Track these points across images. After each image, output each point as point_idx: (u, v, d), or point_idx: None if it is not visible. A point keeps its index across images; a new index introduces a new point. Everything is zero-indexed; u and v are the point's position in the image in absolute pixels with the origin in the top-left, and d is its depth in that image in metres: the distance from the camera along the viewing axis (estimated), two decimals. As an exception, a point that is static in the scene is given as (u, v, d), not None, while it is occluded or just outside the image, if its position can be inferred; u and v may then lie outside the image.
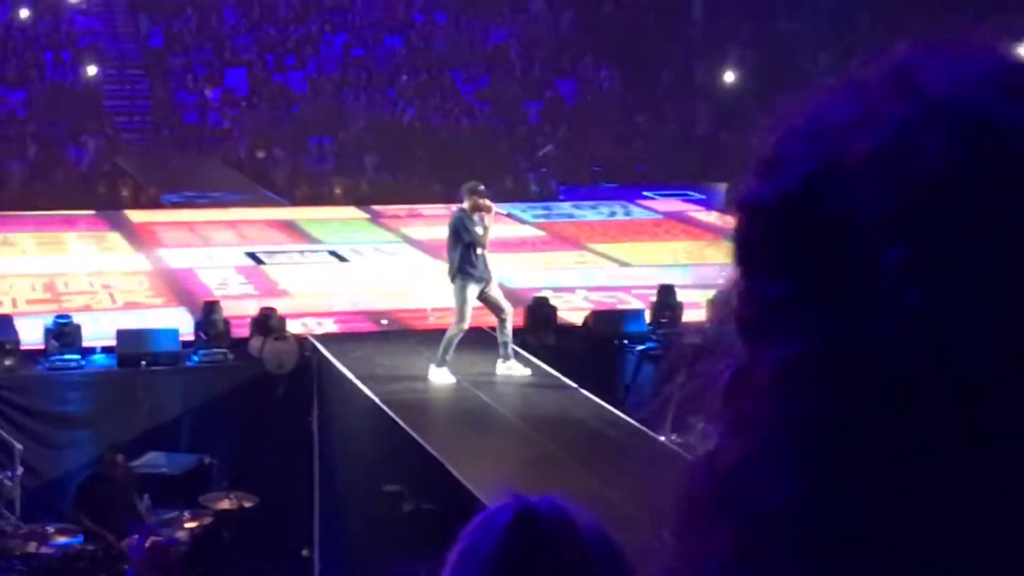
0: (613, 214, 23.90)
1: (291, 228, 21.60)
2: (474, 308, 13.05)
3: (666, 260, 19.78)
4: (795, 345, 0.85)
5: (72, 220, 21.75)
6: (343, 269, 19.06)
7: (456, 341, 13.16)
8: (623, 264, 19.60)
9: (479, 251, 12.90)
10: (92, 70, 28.52)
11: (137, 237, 20.46)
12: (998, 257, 0.81)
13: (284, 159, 27.66)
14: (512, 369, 13.44)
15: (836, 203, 0.85)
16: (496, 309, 13.18)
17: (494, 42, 31.29)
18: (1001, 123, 0.83)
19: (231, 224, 21.60)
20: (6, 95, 27.38)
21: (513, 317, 13.49)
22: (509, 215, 22.09)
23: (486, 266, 12.96)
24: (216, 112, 28.72)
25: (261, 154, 27.71)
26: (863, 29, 30.05)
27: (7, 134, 26.48)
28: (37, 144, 26.37)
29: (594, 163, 28.49)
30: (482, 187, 13.18)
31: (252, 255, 19.52)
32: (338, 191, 26.32)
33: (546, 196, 26.43)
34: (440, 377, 13.28)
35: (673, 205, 24.91)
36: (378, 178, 27.14)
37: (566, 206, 24.66)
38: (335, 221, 22.54)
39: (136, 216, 22.21)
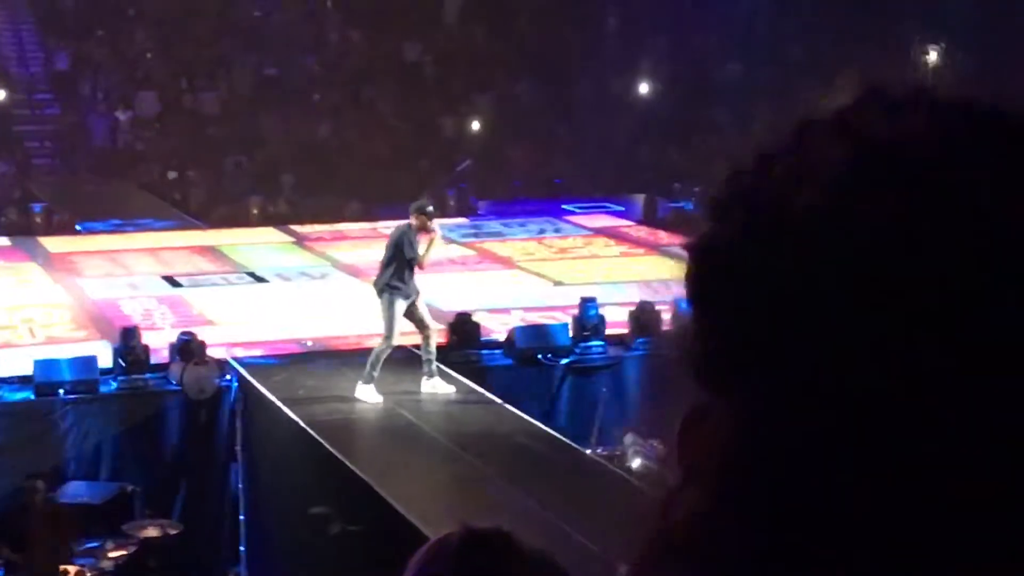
0: (542, 232, 23.66)
1: (214, 253, 21.27)
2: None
3: (598, 277, 19.56)
4: (754, 390, 0.85)
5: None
6: (267, 294, 18.80)
7: (383, 357, 13.11)
8: (557, 283, 19.29)
9: (412, 268, 12.90)
10: (0, 95, 28.15)
11: (55, 267, 20.04)
12: (941, 294, 0.81)
13: (199, 180, 27.44)
14: (436, 387, 13.43)
15: (784, 249, 0.85)
16: (421, 326, 13.17)
17: (408, 58, 31.27)
18: (946, 175, 0.83)
19: (151, 251, 21.22)
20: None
21: (436, 334, 13.47)
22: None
23: (413, 282, 12.96)
24: (128, 135, 28.43)
25: (174, 176, 27.47)
26: (773, 39, 30.35)
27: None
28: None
29: (512, 178, 28.53)
30: (430, 208, 13.28)
31: (172, 281, 19.31)
32: (255, 211, 26.13)
33: (465, 211, 26.41)
34: (367, 394, 13.23)
35: (600, 220, 24.75)
36: (296, 198, 26.99)
37: (495, 224, 24.31)
38: (259, 245, 22.19)
39: (52, 244, 21.78)
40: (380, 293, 12.98)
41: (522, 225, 24.18)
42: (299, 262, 20.97)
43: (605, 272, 20.11)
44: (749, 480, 0.84)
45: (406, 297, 12.89)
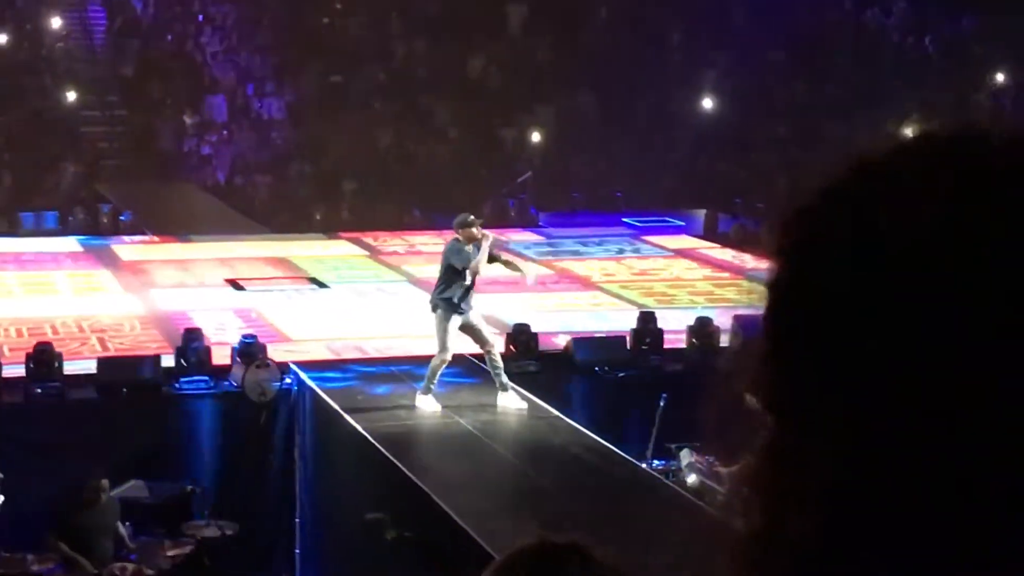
0: (621, 251, 23.12)
1: (286, 264, 21.15)
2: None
3: (685, 302, 19.02)
4: (851, 422, 0.86)
5: (58, 258, 21.23)
6: (333, 304, 18.84)
7: (439, 371, 13.19)
8: (640, 306, 18.29)
9: (466, 282, 12.91)
10: (70, 96, 28.48)
11: (126, 276, 19.97)
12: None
13: (263, 185, 27.67)
14: (508, 402, 13.41)
15: (883, 284, 0.87)
16: (481, 342, 13.22)
17: (472, 68, 31.36)
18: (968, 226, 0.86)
19: (224, 262, 21.03)
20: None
21: (498, 349, 13.49)
22: (512, 250, 21.08)
23: (468, 298, 12.98)
24: (195, 139, 28.71)
25: (240, 180, 27.71)
26: (839, 58, 30.23)
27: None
28: (13, 172, 26.32)
29: (573, 190, 28.56)
30: (472, 217, 13.22)
31: (236, 284, 19.45)
32: (317, 217, 26.32)
33: (525, 223, 26.48)
34: (426, 404, 13.34)
35: (680, 242, 23.98)
36: (357, 205, 27.16)
37: (570, 242, 23.75)
38: (332, 257, 21.97)
39: (124, 252, 21.72)
40: (434, 308, 13.04)
41: (599, 244, 23.67)
42: (369, 274, 20.96)
43: (692, 297, 19.46)
44: (862, 508, 0.86)
45: (459, 312, 12.90)
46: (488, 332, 13.32)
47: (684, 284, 20.66)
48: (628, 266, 22.02)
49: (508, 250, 19.59)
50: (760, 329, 0.94)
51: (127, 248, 22.22)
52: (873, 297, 0.87)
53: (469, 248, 12.92)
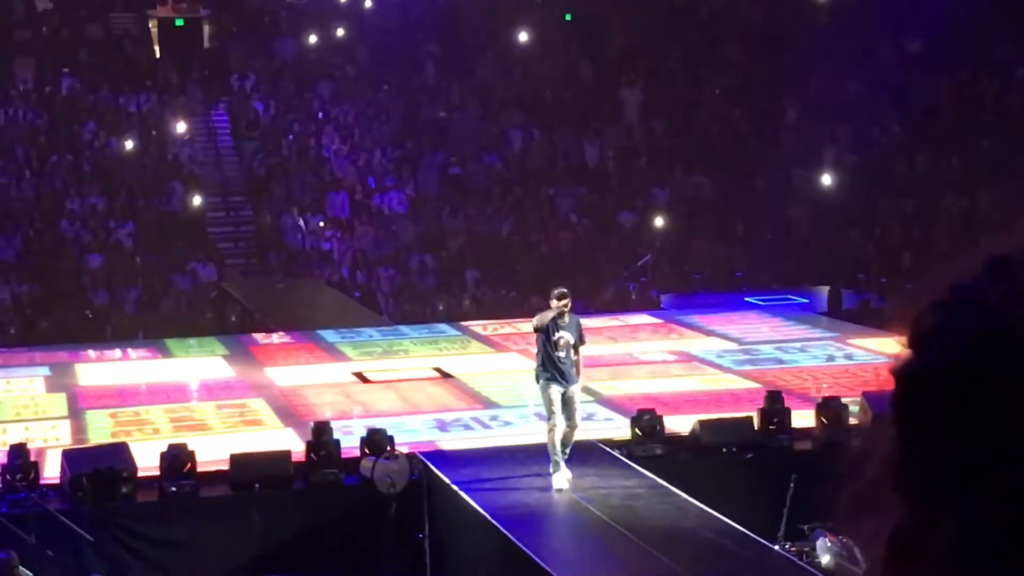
0: (831, 359, 20.42)
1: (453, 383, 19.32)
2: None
3: None
4: (983, 506, 0.88)
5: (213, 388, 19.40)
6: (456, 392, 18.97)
7: (556, 439, 13.39)
8: None
9: (560, 354, 13.24)
10: (196, 199, 29.16)
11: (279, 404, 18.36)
12: None
13: (387, 279, 28.00)
14: (557, 481, 13.50)
15: (1006, 369, 0.89)
16: (567, 416, 13.38)
17: (588, 154, 31.57)
18: None
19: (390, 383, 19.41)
20: (116, 227, 28.04)
21: (574, 432, 13.54)
22: (700, 359, 20.18)
23: (562, 369, 13.24)
24: (318, 235, 29.19)
25: (363, 275, 28.07)
26: (954, 132, 29.93)
27: (116, 265, 27.09)
28: (145, 273, 26.95)
29: (693, 271, 28.51)
30: (558, 291, 13.53)
31: (362, 377, 19.67)
32: (441, 308, 26.57)
33: (647, 306, 26.48)
34: (560, 481, 13.46)
35: (884, 343, 20.23)
36: (479, 294, 27.36)
37: (767, 348, 21.16)
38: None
39: (267, 364, 20.58)
40: (536, 380, 13.46)
41: (803, 350, 21.05)
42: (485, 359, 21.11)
43: None
44: None
45: (558, 382, 13.25)
46: (575, 412, 13.43)
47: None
48: (852, 373, 18.99)
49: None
50: (890, 414, 0.96)
51: (262, 350, 21.84)
52: (1004, 391, 0.90)
53: (559, 321, 13.23)
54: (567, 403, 13.33)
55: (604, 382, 18.43)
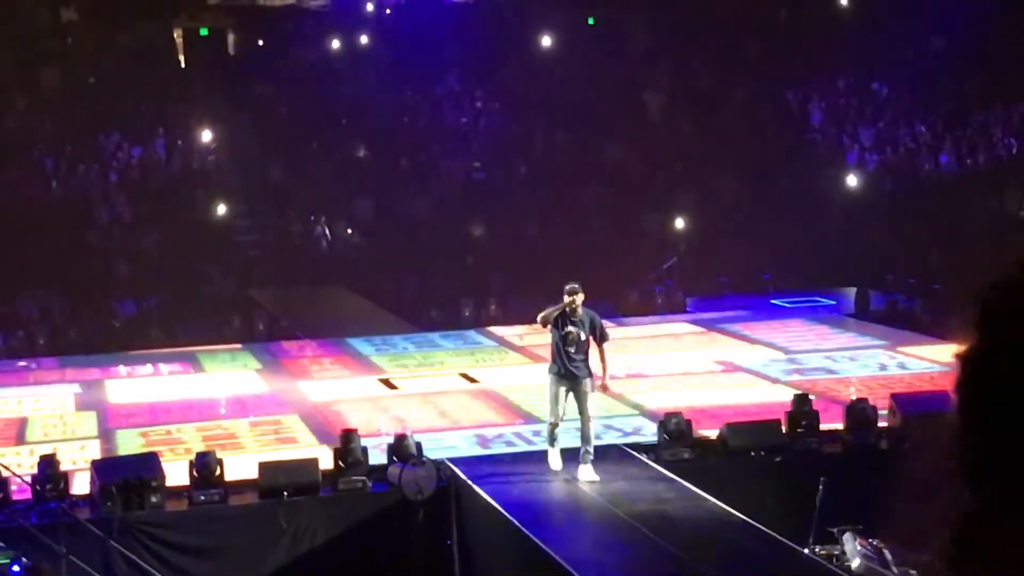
0: (883, 368, 19.77)
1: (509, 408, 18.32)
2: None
3: None
4: None
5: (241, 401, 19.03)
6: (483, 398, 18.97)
7: (553, 433, 13.76)
8: None
9: (570, 349, 13.42)
10: (222, 207, 29.24)
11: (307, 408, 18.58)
12: None
13: (411, 284, 28.02)
14: (583, 474, 13.74)
15: None
16: (580, 411, 13.58)
17: (613, 156, 31.53)
18: None
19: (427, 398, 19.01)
20: (143, 234, 28.15)
21: (592, 423, 13.72)
22: (746, 370, 19.76)
23: (572, 364, 13.41)
24: (342, 241, 29.23)
25: (387, 280, 28.10)
26: (981, 131, 29.80)
27: (143, 273, 27.19)
28: (172, 282, 27.03)
29: (719, 273, 28.45)
30: (569, 286, 13.76)
31: (389, 384, 19.64)
32: (467, 314, 26.57)
33: (673, 308, 26.44)
34: (584, 474, 13.70)
35: (938, 351, 19.69)
36: (505, 299, 27.35)
37: (817, 358, 20.58)
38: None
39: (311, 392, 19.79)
40: (549, 372, 13.72)
41: (852, 359, 20.44)
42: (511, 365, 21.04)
43: None
44: None
45: (563, 379, 13.46)
46: (587, 407, 13.56)
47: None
48: (909, 384, 17.95)
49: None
50: (954, 403, 0.94)
51: (296, 365, 21.57)
52: None
53: (563, 310, 13.51)
54: (579, 399, 13.49)
55: (648, 394, 18.14)
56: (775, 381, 19.01)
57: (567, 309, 13.50)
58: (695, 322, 24.47)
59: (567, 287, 13.71)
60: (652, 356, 21.20)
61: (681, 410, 15.82)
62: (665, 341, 22.73)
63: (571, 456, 13.94)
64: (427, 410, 18.16)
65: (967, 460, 0.91)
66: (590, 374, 13.57)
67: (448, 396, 18.92)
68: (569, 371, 13.42)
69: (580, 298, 13.58)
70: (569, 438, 14.21)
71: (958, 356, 0.94)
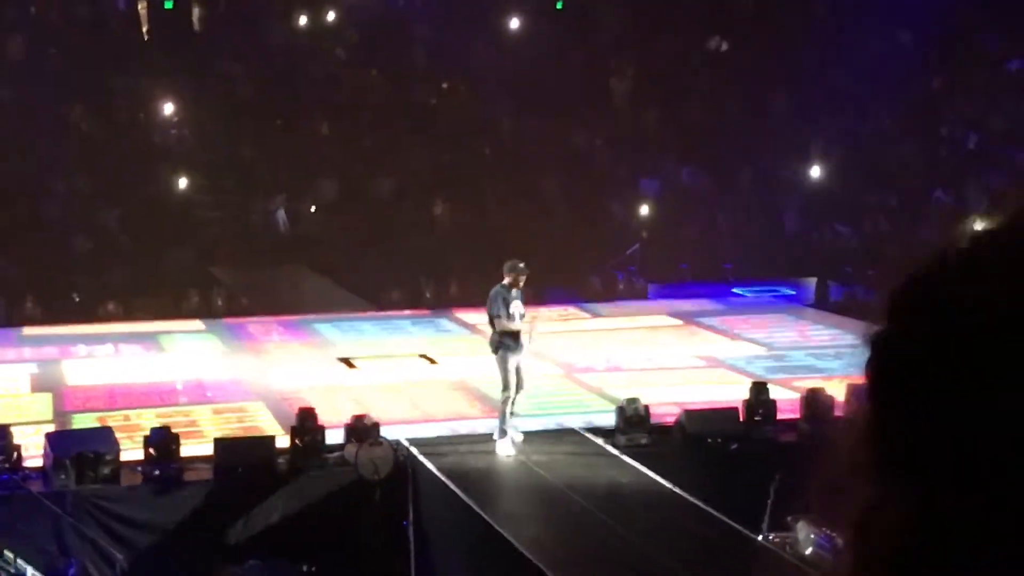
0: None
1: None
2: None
3: None
4: (938, 480, 0.89)
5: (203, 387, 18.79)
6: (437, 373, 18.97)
7: (509, 408, 14.39)
8: None
9: (521, 324, 14.41)
10: (183, 182, 29.08)
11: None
12: None
13: (372, 263, 27.94)
14: (504, 448, 14.46)
15: (980, 347, 0.89)
16: (519, 382, 14.44)
17: (578, 143, 31.52)
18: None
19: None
20: (102, 208, 27.95)
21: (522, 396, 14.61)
22: (728, 366, 19.34)
23: (521, 338, 14.42)
24: (305, 219, 29.12)
25: (351, 260, 28.01)
26: (947, 124, 29.96)
27: (102, 248, 27.01)
28: (133, 256, 26.86)
29: (680, 261, 28.50)
30: (522, 264, 14.72)
31: (348, 363, 19.59)
32: (428, 295, 26.53)
33: (634, 295, 26.46)
34: (504, 448, 14.32)
35: None
36: (466, 281, 27.32)
37: (799, 354, 20.31)
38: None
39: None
40: (495, 350, 14.49)
41: (837, 357, 19.72)
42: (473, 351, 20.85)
43: None
44: (929, 567, 0.88)
45: (515, 352, 14.37)
46: (524, 377, 14.53)
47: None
48: None
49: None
50: (863, 386, 0.96)
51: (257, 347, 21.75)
52: (974, 358, 0.90)
53: (514, 293, 14.44)
54: (520, 367, 14.44)
55: (630, 388, 17.15)
56: (759, 379, 17.86)
57: (518, 287, 14.41)
58: (673, 314, 23.90)
59: (520, 266, 14.55)
60: (630, 348, 20.80)
61: (666, 406, 15.77)
62: (642, 334, 22.25)
63: (531, 444, 13.94)
64: (400, 402, 17.51)
65: (870, 448, 0.92)
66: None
67: (420, 386, 18.39)
68: (519, 343, 14.34)
69: (517, 277, 14.57)
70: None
71: (865, 339, 0.94)
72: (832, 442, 0.98)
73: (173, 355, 20.77)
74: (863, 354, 0.99)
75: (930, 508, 0.89)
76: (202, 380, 18.89)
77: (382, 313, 24.76)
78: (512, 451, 14.24)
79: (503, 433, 14.33)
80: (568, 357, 19.90)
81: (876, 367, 0.96)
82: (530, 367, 15.24)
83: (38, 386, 18.70)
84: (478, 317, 23.33)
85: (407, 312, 24.82)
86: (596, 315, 23.94)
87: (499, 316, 14.36)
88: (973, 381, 0.89)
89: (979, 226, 1.00)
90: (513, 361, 14.33)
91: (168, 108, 30.60)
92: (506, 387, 14.32)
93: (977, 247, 0.96)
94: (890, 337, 0.96)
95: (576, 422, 15.77)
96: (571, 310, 24.26)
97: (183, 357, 20.55)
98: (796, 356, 20.36)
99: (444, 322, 23.91)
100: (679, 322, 23.28)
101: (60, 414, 17.04)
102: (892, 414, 0.94)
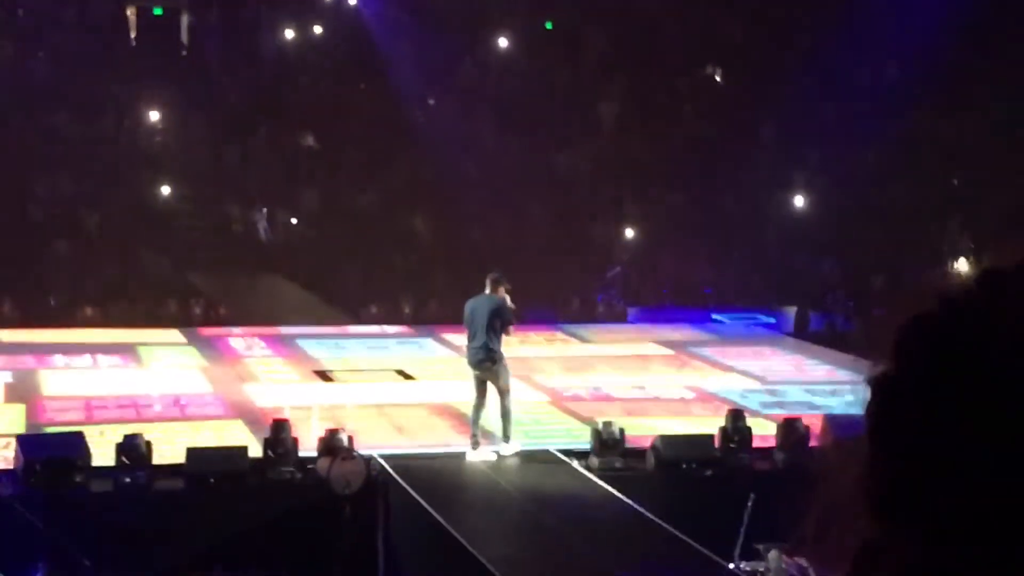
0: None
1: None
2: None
3: None
4: (944, 520, 0.87)
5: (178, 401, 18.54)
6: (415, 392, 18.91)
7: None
8: None
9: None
10: (166, 190, 29.00)
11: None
12: None
13: (352, 277, 27.89)
14: (481, 454, 14.93)
15: (982, 388, 0.88)
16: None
17: (562, 164, 31.53)
18: None
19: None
20: (86, 213, 27.85)
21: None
22: (721, 399, 18.81)
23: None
24: (285, 230, 29.06)
25: (329, 272, 27.96)
26: (931, 160, 30.03)
27: (82, 252, 26.91)
28: (113, 262, 26.76)
29: (661, 285, 28.51)
30: (499, 275, 15.67)
31: (324, 376, 19.52)
32: (407, 311, 26.45)
33: (614, 317, 26.46)
34: (483, 454, 14.71)
35: None
36: (447, 296, 27.27)
37: (795, 390, 19.82)
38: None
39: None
40: (497, 361, 14.92)
41: (832, 393, 19.30)
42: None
43: None
44: None
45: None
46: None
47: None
48: None
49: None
50: (864, 426, 0.94)
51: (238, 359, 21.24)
52: (981, 400, 0.89)
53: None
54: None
55: (620, 418, 16.46)
56: (754, 413, 17.39)
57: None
58: (663, 343, 23.38)
59: (501, 276, 15.39)
60: (619, 377, 20.44)
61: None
62: (633, 362, 21.87)
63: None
64: (382, 425, 17.19)
65: (872, 488, 0.91)
66: None
67: (405, 409, 18.01)
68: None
69: (493, 287, 15.38)
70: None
71: (868, 381, 0.94)
72: (821, 476, 0.96)
73: (151, 370, 20.44)
74: (863, 393, 0.96)
75: (935, 551, 0.88)
76: (179, 397, 18.55)
77: (364, 329, 24.61)
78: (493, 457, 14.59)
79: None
80: (554, 383, 19.78)
81: (879, 409, 0.93)
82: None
83: (12, 396, 18.38)
84: (462, 339, 23.04)
85: (391, 330, 24.64)
86: (583, 340, 23.81)
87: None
88: (982, 425, 0.88)
89: (978, 267, 0.98)
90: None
91: (154, 115, 30.52)
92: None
93: (986, 290, 0.95)
94: (896, 379, 0.94)
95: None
96: (558, 334, 24.13)
97: (162, 372, 20.23)
98: (792, 392, 19.76)
99: (428, 341, 23.54)
100: (670, 351, 22.76)
101: (33, 426, 16.66)
102: (895, 456, 0.92)
